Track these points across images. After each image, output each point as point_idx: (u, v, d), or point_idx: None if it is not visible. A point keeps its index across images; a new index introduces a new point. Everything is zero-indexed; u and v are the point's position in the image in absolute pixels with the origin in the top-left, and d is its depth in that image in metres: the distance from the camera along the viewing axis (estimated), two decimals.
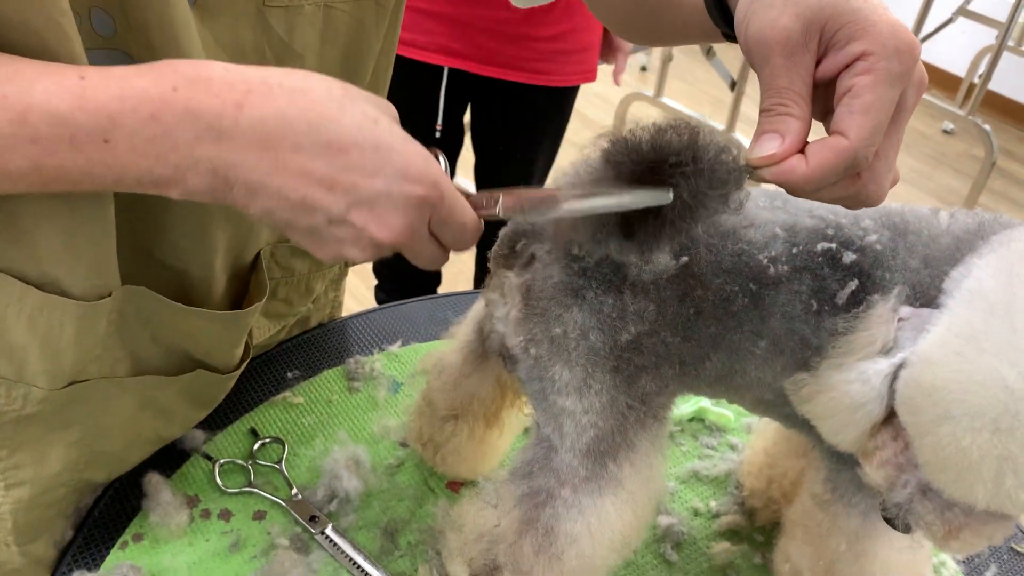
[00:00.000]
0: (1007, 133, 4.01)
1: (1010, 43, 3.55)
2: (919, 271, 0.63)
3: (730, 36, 0.61)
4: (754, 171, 0.53)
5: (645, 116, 3.64)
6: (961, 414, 0.52)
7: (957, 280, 0.58)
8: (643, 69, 4.23)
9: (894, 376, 0.57)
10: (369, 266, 2.14)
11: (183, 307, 0.72)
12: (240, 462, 0.89)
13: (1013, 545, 0.93)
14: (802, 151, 0.52)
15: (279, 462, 0.90)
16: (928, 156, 3.79)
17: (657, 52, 3.73)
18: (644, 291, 0.64)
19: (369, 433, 0.95)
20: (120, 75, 0.50)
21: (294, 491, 0.87)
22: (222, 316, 0.76)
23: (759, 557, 0.87)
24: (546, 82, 1.63)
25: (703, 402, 1.02)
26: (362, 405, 0.98)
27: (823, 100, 0.54)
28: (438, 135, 1.68)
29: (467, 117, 1.79)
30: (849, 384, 0.58)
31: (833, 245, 0.64)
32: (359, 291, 2.59)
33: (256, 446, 0.91)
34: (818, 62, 0.53)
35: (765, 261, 0.65)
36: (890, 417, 0.59)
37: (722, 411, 1.02)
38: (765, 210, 0.67)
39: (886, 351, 0.59)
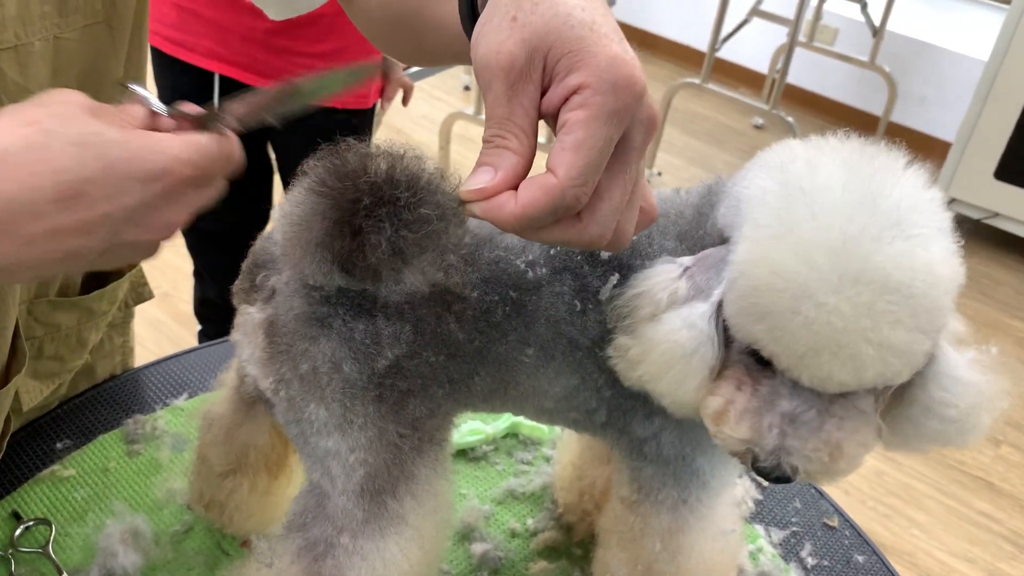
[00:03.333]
0: (809, 123, 4.24)
1: (802, 39, 3.77)
2: (676, 249, 0.62)
3: None
4: (464, 205, 0.49)
5: (468, 134, 3.65)
6: (813, 282, 0.50)
7: (732, 207, 0.57)
8: (466, 89, 4.23)
9: (718, 315, 0.56)
10: (190, 308, 2.02)
11: None
12: None
13: (825, 520, 0.94)
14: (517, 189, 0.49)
15: (45, 545, 0.80)
16: (741, 150, 3.97)
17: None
18: (398, 312, 0.60)
19: (152, 500, 0.86)
20: None
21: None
22: None
23: (578, 572, 0.84)
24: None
25: (516, 416, 0.99)
26: (143, 469, 0.89)
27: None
28: None
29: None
30: (677, 333, 0.56)
31: None
32: (182, 338, 2.45)
33: (18, 532, 0.81)
34: (545, 92, 0.49)
35: (523, 266, 0.62)
36: (721, 371, 0.58)
37: (536, 424, 0.99)
38: None
39: (688, 299, 0.57)
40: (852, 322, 0.50)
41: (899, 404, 0.58)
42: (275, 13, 0.76)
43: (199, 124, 0.54)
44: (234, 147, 0.54)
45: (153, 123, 0.54)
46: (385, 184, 0.48)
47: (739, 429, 0.56)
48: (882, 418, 0.58)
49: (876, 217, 0.50)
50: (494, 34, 0.47)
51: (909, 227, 0.50)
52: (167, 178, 0.50)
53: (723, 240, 0.58)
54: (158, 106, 0.54)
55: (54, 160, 0.46)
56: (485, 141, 0.49)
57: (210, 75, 1.55)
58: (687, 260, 0.59)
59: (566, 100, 0.47)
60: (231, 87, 1.56)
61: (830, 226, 0.50)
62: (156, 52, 1.56)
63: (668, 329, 0.56)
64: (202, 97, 1.54)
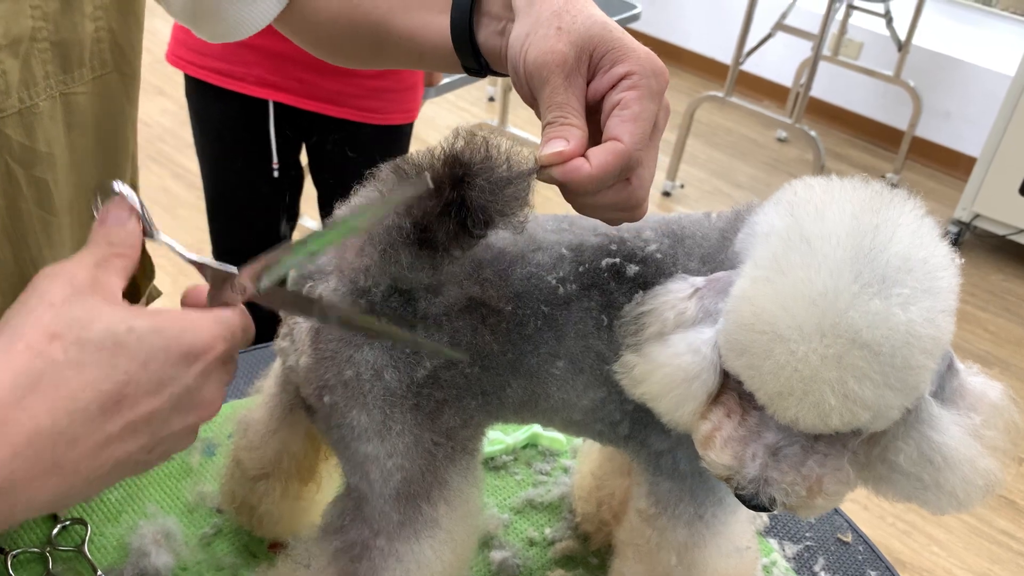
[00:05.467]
0: (833, 137, 4.24)
1: (826, 53, 3.77)
2: (698, 271, 0.64)
3: (473, 71, 0.65)
4: (543, 170, 0.55)
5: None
6: (788, 329, 0.52)
7: (747, 237, 0.59)
8: (491, 100, 4.27)
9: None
10: None
11: None
12: (36, 550, 0.82)
13: (839, 535, 0.95)
14: (584, 157, 0.56)
15: (81, 545, 0.83)
16: (764, 163, 3.97)
17: (500, 82, 3.77)
18: (436, 324, 0.62)
19: (183, 502, 0.89)
20: None
21: (99, 574, 0.80)
22: None
23: None
24: (370, 119, 1.60)
25: (535, 427, 1.00)
26: (175, 473, 0.92)
27: (589, 124, 0.57)
28: (276, 173, 1.64)
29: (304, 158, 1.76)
30: (680, 357, 0.58)
31: (617, 260, 0.65)
32: None
33: (55, 531, 0.84)
34: (589, 83, 0.57)
35: (554, 282, 0.64)
36: (717, 397, 0.59)
37: (554, 435, 1.00)
38: (552, 233, 0.67)
39: (698, 320, 0.59)
40: (818, 372, 0.51)
41: (875, 449, 0.59)
42: (210, 36, 0.76)
43: (211, 280, 0.53)
44: (250, 321, 0.54)
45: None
46: (480, 148, 0.54)
47: (723, 456, 0.58)
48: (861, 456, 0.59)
49: (862, 274, 0.51)
50: (543, 41, 0.56)
51: (892, 286, 0.51)
52: (206, 355, 0.49)
53: (736, 265, 0.60)
54: (153, 231, 0.53)
55: (86, 375, 0.44)
56: (549, 123, 0.56)
57: (262, 103, 1.57)
58: (699, 281, 0.61)
59: (614, 86, 0.56)
60: (285, 113, 1.59)
61: (815, 278, 0.52)
62: (201, 84, 1.58)
63: (672, 352, 0.58)
64: (258, 125, 1.58)
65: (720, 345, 0.56)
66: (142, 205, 0.53)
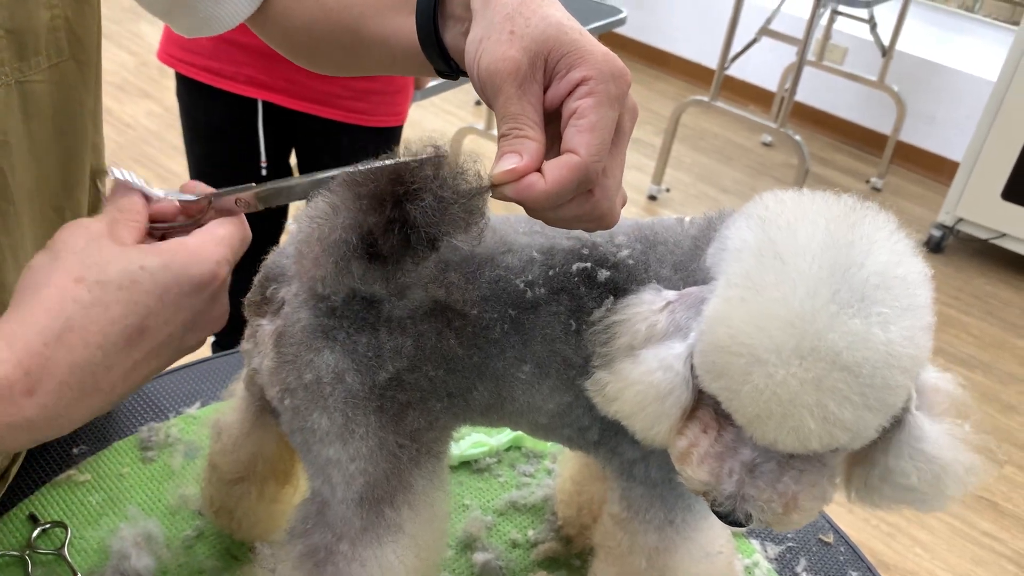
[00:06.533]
0: (818, 141, 4.26)
1: (811, 58, 3.80)
2: (670, 278, 0.64)
3: (444, 73, 0.64)
4: (496, 188, 0.54)
5: (479, 149, 3.69)
6: (766, 352, 0.51)
7: (717, 251, 0.58)
8: (477, 103, 4.28)
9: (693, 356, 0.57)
10: None
11: None
12: (15, 553, 0.82)
13: (821, 536, 0.96)
14: (540, 172, 0.54)
15: (61, 548, 0.83)
16: (749, 167, 3.99)
17: None
18: (400, 327, 0.62)
19: (165, 505, 0.89)
20: None
21: None
22: None
23: None
24: (358, 121, 1.61)
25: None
26: (157, 475, 0.92)
27: (549, 130, 0.56)
28: (264, 172, 1.64)
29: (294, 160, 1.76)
30: (652, 374, 0.57)
31: (588, 264, 0.65)
32: None
33: (35, 533, 0.84)
34: (546, 89, 0.55)
35: (522, 285, 0.64)
36: (693, 412, 0.59)
37: None
38: (523, 235, 0.67)
39: (669, 334, 0.58)
40: (798, 396, 0.51)
41: (862, 463, 0.59)
42: (183, 30, 0.77)
43: (199, 206, 0.58)
44: (248, 229, 0.59)
45: (152, 207, 0.58)
46: (430, 162, 0.53)
47: (699, 472, 0.57)
48: (847, 473, 0.60)
49: (839, 293, 0.50)
50: (496, 47, 0.54)
51: (872, 304, 0.50)
52: (213, 283, 0.55)
53: (708, 279, 0.59)
54: (155, 193, 0.58)
55: (111, 312, 0.51)
56: (503, 135, 0.54)
57: (252, 103, 1.57)
58: (671, 295, 0.60)
59: (571, 92, 0.54)
60: (274, 113, 1.59)
61: (791, 298, 0.51)
62: (191, 83, 1.58)
63: (644, 370, 0.58)
64: (247, 124, 1.59)
65: (696, 366, 0.56)
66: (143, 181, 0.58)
